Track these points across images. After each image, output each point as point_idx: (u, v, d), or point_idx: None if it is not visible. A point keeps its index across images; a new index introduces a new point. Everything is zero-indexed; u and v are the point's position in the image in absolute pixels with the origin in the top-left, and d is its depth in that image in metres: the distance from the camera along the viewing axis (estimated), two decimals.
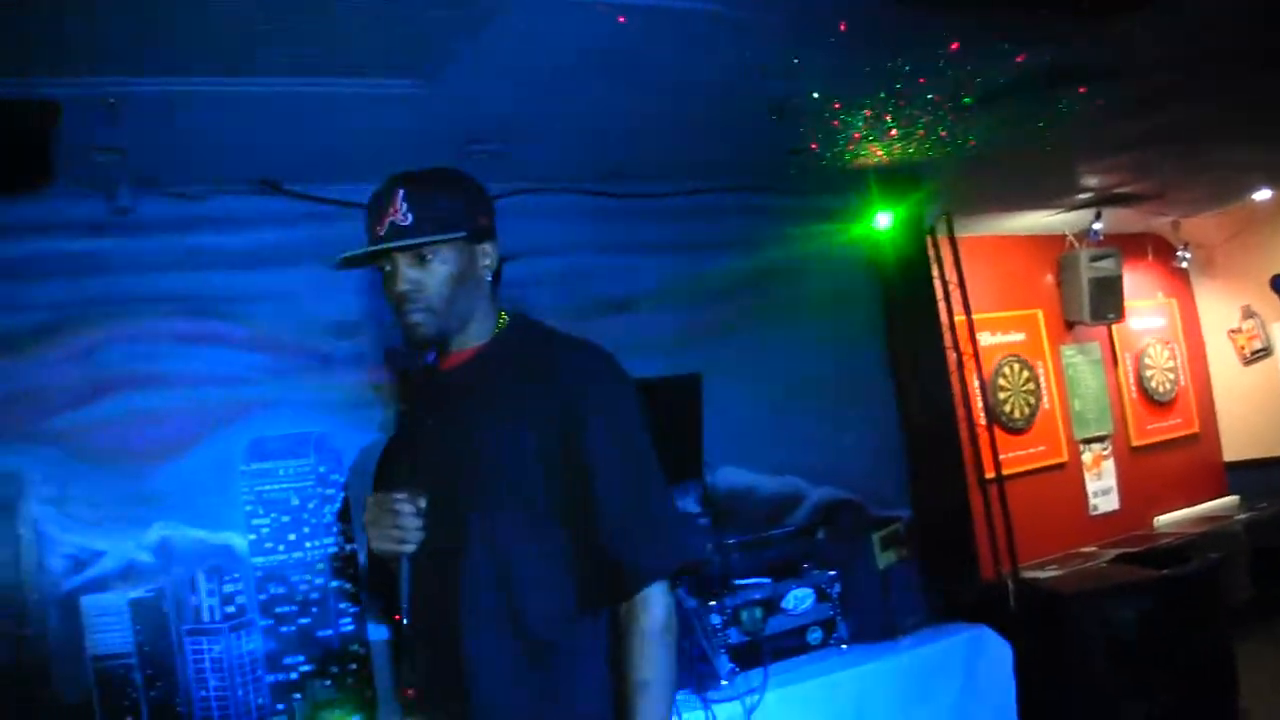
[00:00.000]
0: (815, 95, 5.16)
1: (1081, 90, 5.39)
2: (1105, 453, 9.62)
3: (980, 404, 8.05)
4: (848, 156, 6.28)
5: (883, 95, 5.25)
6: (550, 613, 2.45)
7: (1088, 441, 9.53)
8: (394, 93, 4.50)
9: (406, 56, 4.23)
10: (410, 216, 2.53)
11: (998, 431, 8.14)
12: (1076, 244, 9.32)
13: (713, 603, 3.63)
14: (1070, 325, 9.56)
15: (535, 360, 2.57)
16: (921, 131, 5.93)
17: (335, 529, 5.31)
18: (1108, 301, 9.23)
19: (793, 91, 5.07)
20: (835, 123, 5.61)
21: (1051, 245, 9.48)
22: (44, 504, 4.84)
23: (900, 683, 4.03)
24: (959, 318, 7.58)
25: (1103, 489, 9.53)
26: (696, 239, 6.46)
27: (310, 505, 5.24)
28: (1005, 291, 9.13)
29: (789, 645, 3.89)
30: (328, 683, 5.14)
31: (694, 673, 3.57)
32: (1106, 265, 9.22)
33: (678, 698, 3.48)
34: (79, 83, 4.01)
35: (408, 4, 3.76)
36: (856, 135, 5.86)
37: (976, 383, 7.93)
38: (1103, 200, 8.55)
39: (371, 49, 4.11)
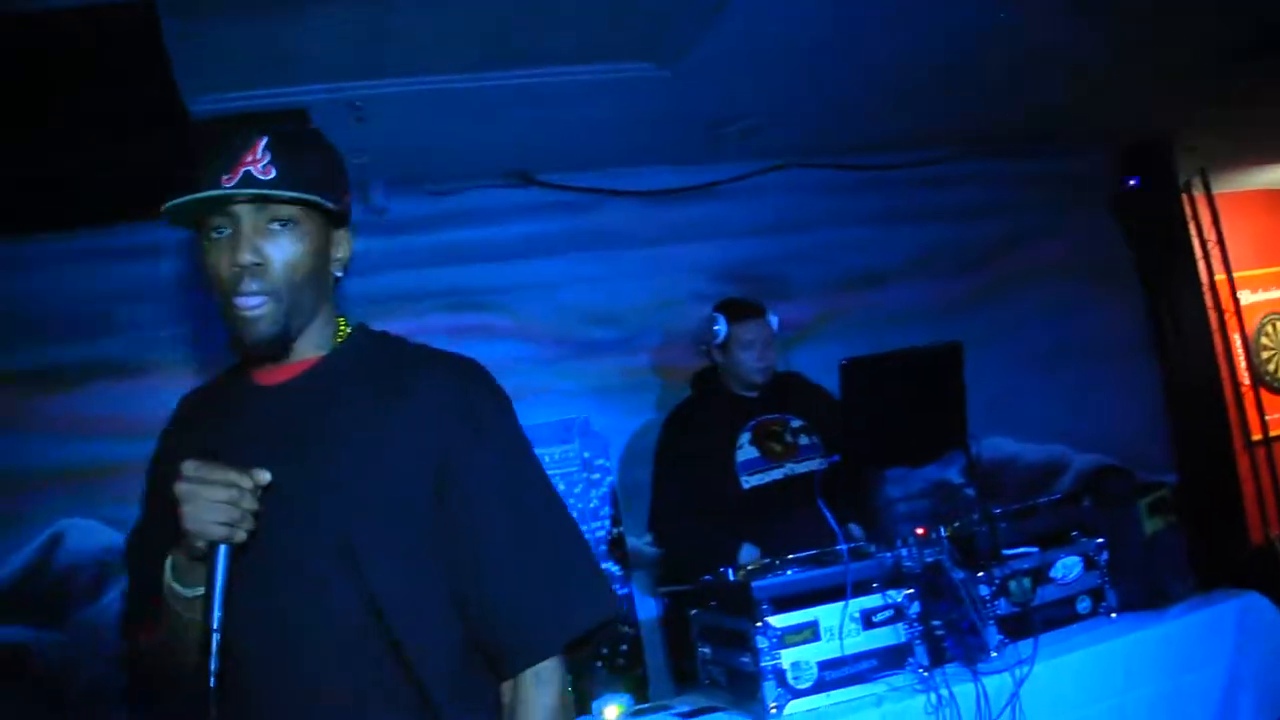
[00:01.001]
0: (1065, 53, 5.09)
1: None
2: None
3: (1244, 364, 7.82)
4: (1099, 116, 6.16)
5: (1134, 48, 5.15)
6: (442, 671, 1.96)
7: None
8: (636, 77, 4.60)
9: (645, 41, 4.34)
10: (274, 170, 1.95)
11: (1262, 392, 7.90)
12: None
13: (980, 574, 3.60)
14: None
15: (398, 378, 2.06)
16: (1174, 85, 5.78)
17: (603, 513, 5.46)
18: None
19: (1042, 50, 5.01)
20: (1085, 81, 5.51)
21: None
22: None
23: (1169, 651, 3.93)
24: (1218, 276, 7.37)
25: None
26: (947, 208, 6.43)
27: (576, 490, 5.42)
28: (1264, 246, 8.76)
29: (1058, 615, 3.82)
30: (598, 664, 5.28)
31: (963, 645, 3.55)
32: None
33: (948, 670, 3.50)
34: (325, 88, 4.24)
35: None
36: (1106, 91, 5.75)
37: (1239, 342, 7.71)
38: None
39: (610, 35, 4.22)
